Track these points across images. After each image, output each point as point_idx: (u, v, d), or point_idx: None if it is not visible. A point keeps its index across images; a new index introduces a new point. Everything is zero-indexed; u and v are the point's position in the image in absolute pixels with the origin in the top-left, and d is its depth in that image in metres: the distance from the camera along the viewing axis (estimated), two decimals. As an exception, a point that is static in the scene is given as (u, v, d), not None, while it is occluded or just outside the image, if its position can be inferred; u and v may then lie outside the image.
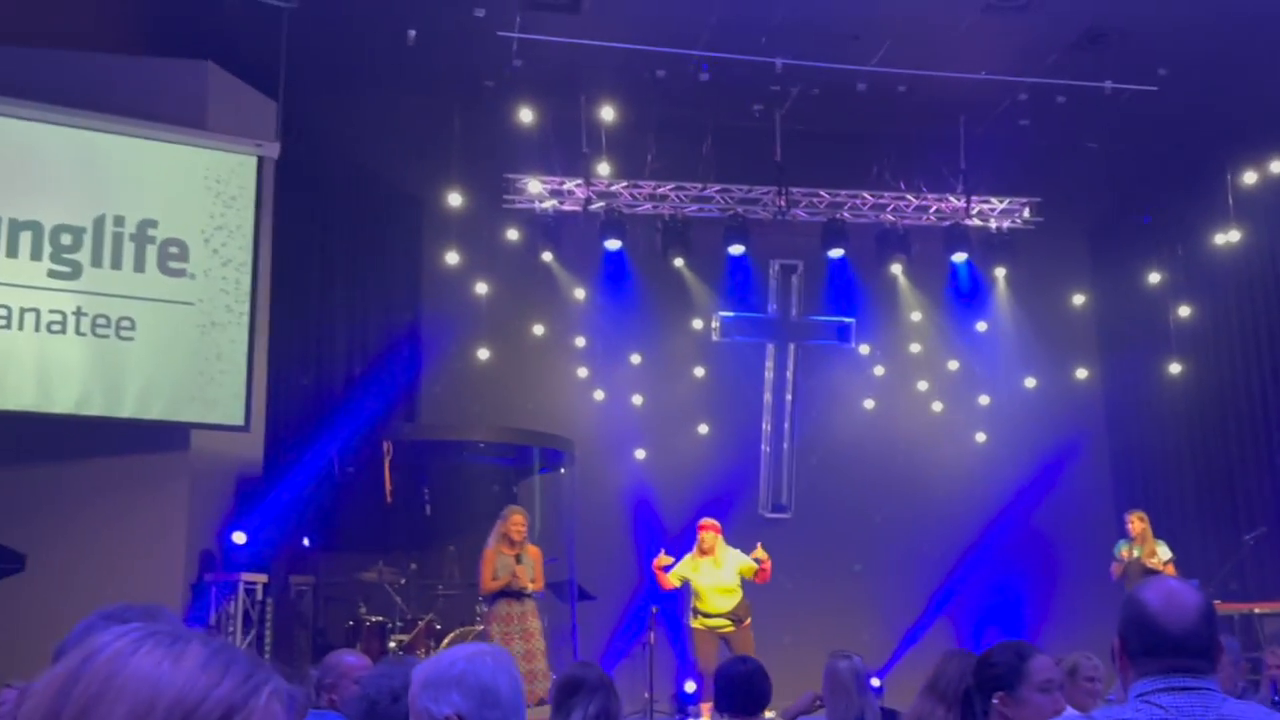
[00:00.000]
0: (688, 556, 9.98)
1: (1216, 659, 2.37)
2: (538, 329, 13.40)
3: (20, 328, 9.22)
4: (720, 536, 9.96)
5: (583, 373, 13.54)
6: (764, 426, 14.03)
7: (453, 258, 12.75)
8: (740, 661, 5.40)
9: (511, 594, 9.15)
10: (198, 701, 0.97)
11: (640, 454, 13.43)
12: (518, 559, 9.21)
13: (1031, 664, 3.33)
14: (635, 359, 13.62)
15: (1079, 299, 14.38)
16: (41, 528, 8.99)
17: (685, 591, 10.24)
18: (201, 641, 1.03)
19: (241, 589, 9.59)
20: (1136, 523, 10.60)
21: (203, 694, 0.98)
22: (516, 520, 9.36)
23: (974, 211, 13.44)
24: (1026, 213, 13.71)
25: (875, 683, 12.68)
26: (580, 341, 13.58)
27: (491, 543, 9.35)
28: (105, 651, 0.99)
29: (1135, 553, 10.53)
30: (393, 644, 9.88)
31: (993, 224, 13.70)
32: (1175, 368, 13.28)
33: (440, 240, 12.89)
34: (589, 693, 4.41)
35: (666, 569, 9.98)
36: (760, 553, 9.89)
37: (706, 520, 10.12)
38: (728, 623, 9.77)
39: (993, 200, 13.57)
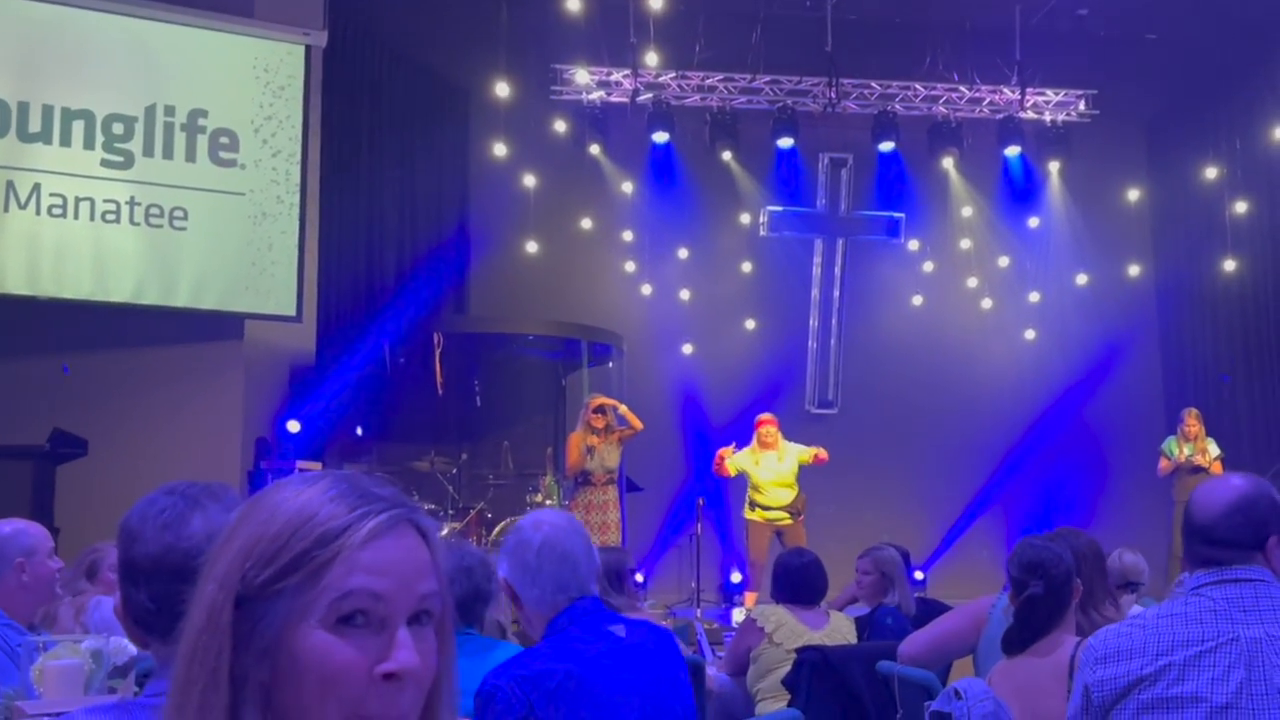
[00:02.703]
0: (747, 449, 10.07)
1: (1255, 548, 2.34)
2: (585, 222, 13.35)
3: (76, 217, 9.27)
4: (779, 431, 10.04)
5: (630, 267, 13.52)
6: (811, 322, 13.99)
7: (500, 149, 12.67)
8: (798, 554, 5.46)
9: (591, 482, 9.33)
10: (303, 521, 1.09)
11: (688, 349, 13.45)
12: (590, 451, 9.42)
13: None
14: (683, 253, 13.57)
15: (1133, 194, 14.15)
16: (102, 415, 9.11)
17: (739, 483, 10.32)
18: (335, 479, 1.14)
19: (297, 477, 9.71)
20: (1194, 423, 10.52)
21: (309, 516, 1.09)
22: (590, 405, 9.68)
23: (1028, 104, 13.18)
24: (1082, 105, 13.43)
25: (919, 575, 12.83)
26: (628, 235, 13.54)
27: (578, 427, 9.66)
28: (267, 486, 1.15)
29: (1187, 451, 10.49)
30: (445, 531, 10.02)
31: (1047, 117, 13.44)
32: (1230, 264, 13.09)
33: (488, 132, 12.81)
34: None
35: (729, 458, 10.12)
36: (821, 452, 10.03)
37: (765, 415, 10.19)
38: (785, 515, 9.87)
39: (1048, 93, 13.29)
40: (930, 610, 6.16)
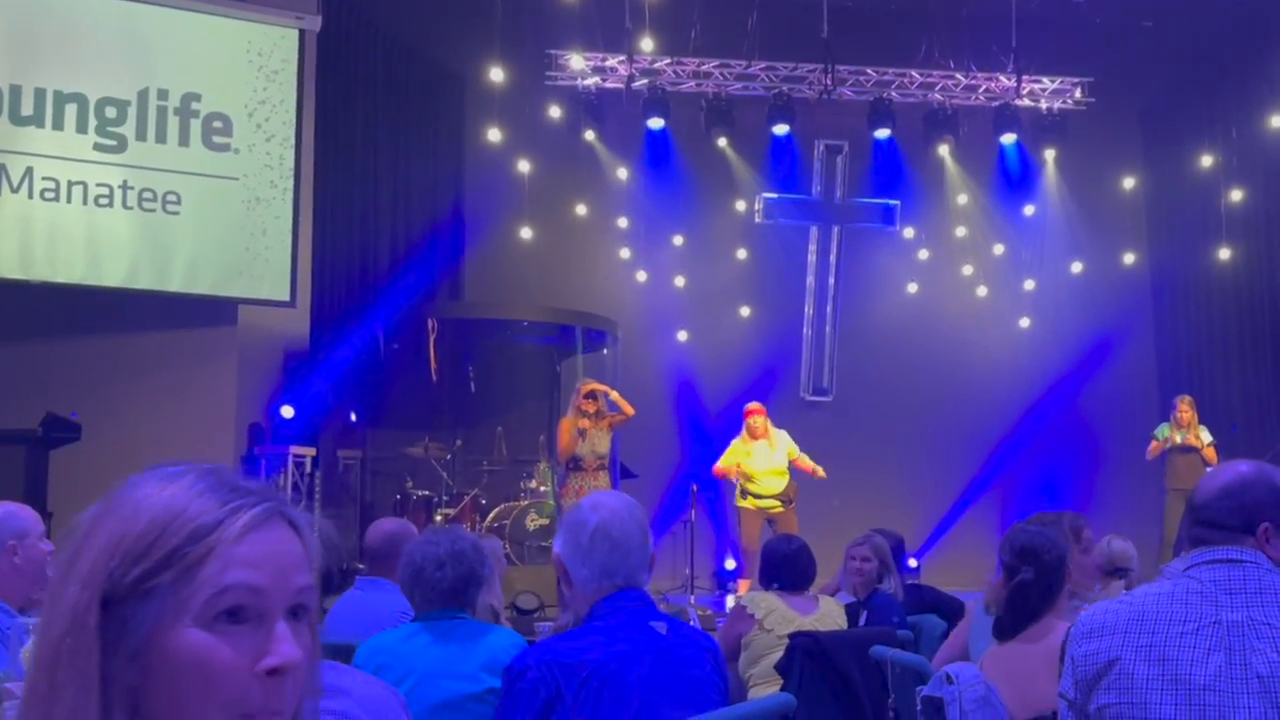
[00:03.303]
0: (736, 441, 10.08)
1: (1245, 532, 2.33)
2: (580, 209, 13.33)
3: (68, 200, 9.24)
4: (768, 420, 10.06)
5: (625, 253, 13.51)
6: (806, 310, 13.99)
7: (495, 135, 12.64)
8: (786, 540, 5.47)
9: (582, 467, 9.34)
10: (173, 517, 1.05)
11: (682, 335, 13.44)
12: (582, 434, 9.40)
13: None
14: (678, 240, 13.55)
15: (1129, 182, 14.14)
16: (95, 399, 9.11)
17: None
18: (200, 473, 1.10)
19: (291, 462, 9.70)
20: (1186, 409, 10.55)
21: (178, 512, 1.05)
22: (581, 390, 9.66)
23: (1024, 91, 13.16)
24: (1078, 93, 13.42)
25: (913, 563, 12.85)
26: (623, 222, 13.52)
27: (569, 413, 9.64)
28: (126, 483, 1.10)
29: (1178, 437, 10.51)
30: (439, 518, 10.04)
31: (1043, 105, 13.43)
32: (1225, 253, 13.08)
33: (482, 117, 12.78)
34: None
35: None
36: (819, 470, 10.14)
37: (754, 405, 10.20)
38: (777, 503, 9.90)
39: (1044, 80, 13.27)
40: (920, 595, 6.18)
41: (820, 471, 10.12)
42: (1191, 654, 2.22)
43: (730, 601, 10.12)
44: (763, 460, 9.91)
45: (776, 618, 4.93)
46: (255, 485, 1.11)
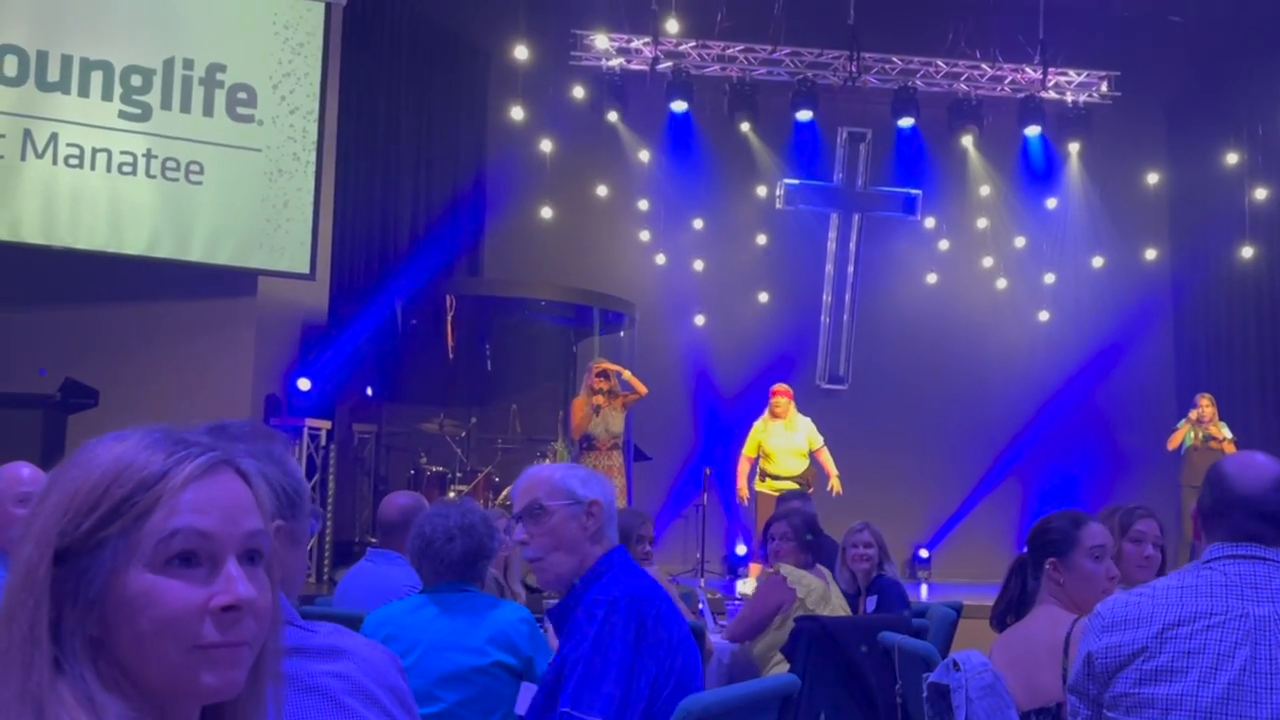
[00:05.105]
0: (758, 422, 10.11)
1: None
2: (601, 190, 13.32)
3: (92, 168, 9.27)
4: (792, 402, 10.08)
5: (645, 236, 13.49)
6: (824, 297, 13.96)
7: (518, 113, 12.64)
8: (804, 499, 5.48)
9: (596, 446, 9.36)
10: (121, 470, 1.09)
11: (700, 320, 13.43)
12: (597, 410, 9.42)
13: (1084, 531, 3.32)
14: (698, 224, 13.53)
15: (1153, 177, 14.05)
16: (113, 366, 9.14)
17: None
18: (148, 430, 1.15)
19: (306, 434, 9.74)
20: (1207, 405, 10.53)
21: (126, 464, 1.10)
22: (593, 369, 9.72)
23: (1050, 84, 13.08)
24: (1104, 86, 13.34)
25: (924, 554, 12.84)
26: (643, 204, 13.50)
27: (581, 392, 9.71)
28: (82, 445, 1.15)
29: (1200, 434, 10.50)
30: (452, 494, 10.06)
31: (1068, 97, 13.35)
32: (1248, 251, 13.01)
33: (506, 95, 12.78)
34: None
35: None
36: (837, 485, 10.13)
37: (780, 386, 10.28)
38: (795, 486, 9.88)
39: (1069, 73, 13.20)
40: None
41: (836, 483, 10.07)
42: (1219, 647, 2.21)
43: (740, 585, 10.13)
44: (781, 439, 9.95)
45: (816, 597, 4.90)
46: (204, 438, 1.15)
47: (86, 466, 1.11)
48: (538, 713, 2.77)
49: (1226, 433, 10.49)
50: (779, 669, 4.74)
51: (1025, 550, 3.51)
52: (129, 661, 1.08)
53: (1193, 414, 10.61)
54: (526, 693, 2.96)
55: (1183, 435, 10.53)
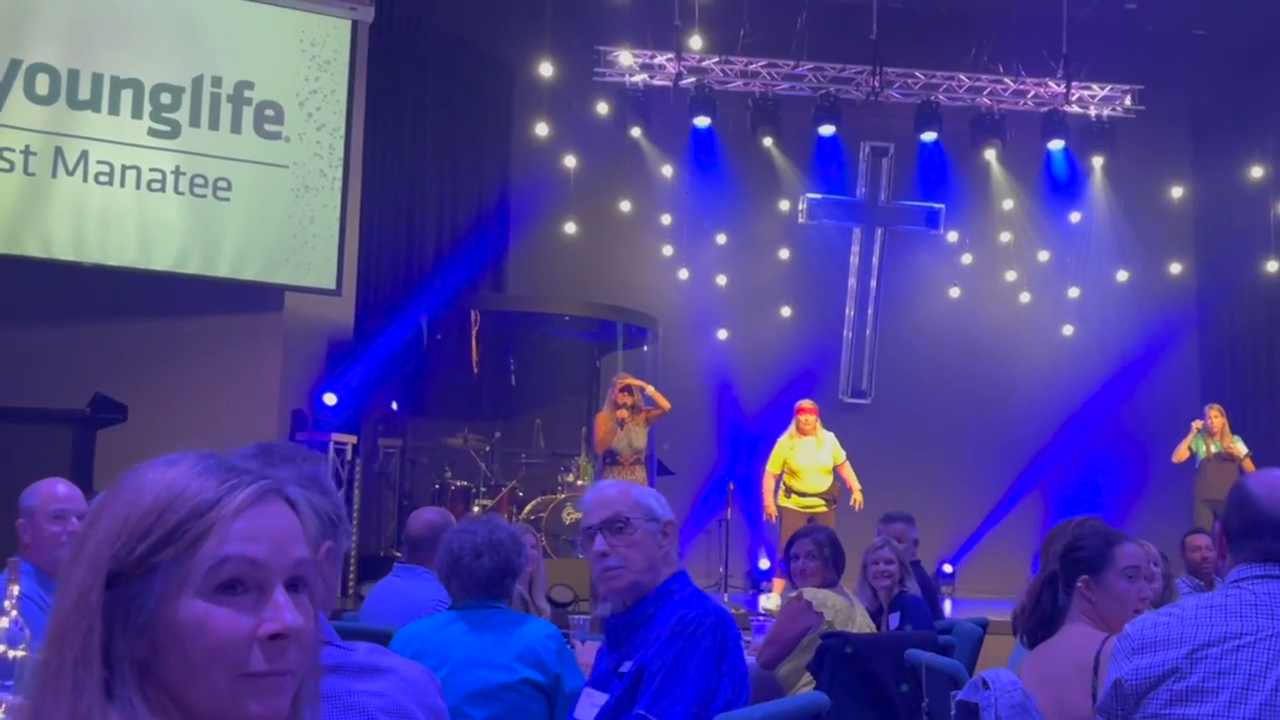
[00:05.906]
0: (783, 438, 10.08)
1: None
2: (624, 205, 13.37)
3: (121, 185, 9.37)
4: (818, 420, 10.06)
5: (668, 250, 13.53)
6: (847, 311, 13.95)
7: (542, 129, 12.70)
8: (825, 530, 5.47)
9: (619, 461, 9.39)
10: (174, 497, 1.11)
11: (722, 334, 13.45)
12: (620, 424, 9.44)
13: (1118, 550, 3.31)
14: (721, 239, 13.56)
15: (1177, 192, 14.00)
16: (141, 381, 9.21)
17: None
18: (199, 456, 1.17)
19: (332, 449, 9.79)
20: (1217, 417, 10.46)
21: (178, 491, 1.12)
22: (617, 384, 9.74)
23: (1073, 98, 13.05)
24: (1128, 100, 13.30)
25: (948, 569, 12.80)
26: (666, 219, 13.54)
27: (604, 407, 9.73)
28: (130, 470, 1.17)
29: (1212, 447, 10.42)
30: (476, 508, 10.10)
31: (1092, 111, 13.32)
32: (1273, 265, 12.95)
33: (530, 111, 12.85)
34: None
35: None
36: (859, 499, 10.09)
37: (806, 403, 10.20)
38: (821, 502, 9.88)
39: (1093, 86, 13.17)
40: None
41: (859, 498, 10.04)
42: (1250, 667, 2.21)
43: (764, 601, 10.13)
44: (807, 456, 9.92)
45: (843, 619, 4.88)
46: (252, 465, 1.18)
47: (138, 491, 1.13)
48: (606, 715, 2.82)
49: (1242, 448, 10.39)
50: (807, 689, 4.73)
51: (1039, 558, 3.52)
52: (176, 687, 1.10)
53: (1197, 424, 10.54)
54: (587, 699, 2.96)
55: (1187, 444, 10.45)
